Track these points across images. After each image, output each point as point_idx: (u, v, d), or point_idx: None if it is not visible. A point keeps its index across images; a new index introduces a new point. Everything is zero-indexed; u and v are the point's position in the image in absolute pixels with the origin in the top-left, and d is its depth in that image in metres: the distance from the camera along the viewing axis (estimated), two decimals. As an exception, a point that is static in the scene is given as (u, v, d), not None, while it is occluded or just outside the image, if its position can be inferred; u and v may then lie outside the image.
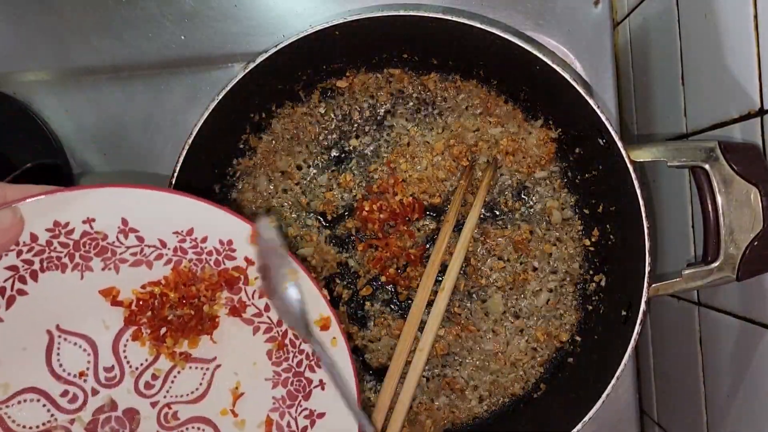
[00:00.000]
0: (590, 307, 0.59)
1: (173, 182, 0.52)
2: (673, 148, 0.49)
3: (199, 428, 0.51)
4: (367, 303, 0.60)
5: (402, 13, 0.52)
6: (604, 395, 0.50)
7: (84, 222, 0.45)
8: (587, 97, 0.51)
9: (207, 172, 0.58)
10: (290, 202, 0.60)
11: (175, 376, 0.50)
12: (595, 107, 0.50)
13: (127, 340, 0.49)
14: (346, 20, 0.51)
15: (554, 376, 0.60)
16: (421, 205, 0.59)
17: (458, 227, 0.59)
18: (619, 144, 0.50)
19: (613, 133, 0.50)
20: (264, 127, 0.60)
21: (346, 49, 0.56)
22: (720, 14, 0.48)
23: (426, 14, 0.51)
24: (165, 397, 0.50)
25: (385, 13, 0.52)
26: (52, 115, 0.62)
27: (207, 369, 0.51)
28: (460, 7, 0.61)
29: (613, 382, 0.50)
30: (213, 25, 0.62)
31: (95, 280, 0.47)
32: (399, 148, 0.60)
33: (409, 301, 0.59)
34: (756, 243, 0.46)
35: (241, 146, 0.60)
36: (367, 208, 0.59)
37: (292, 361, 0.51)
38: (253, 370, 0.51)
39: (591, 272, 0.60)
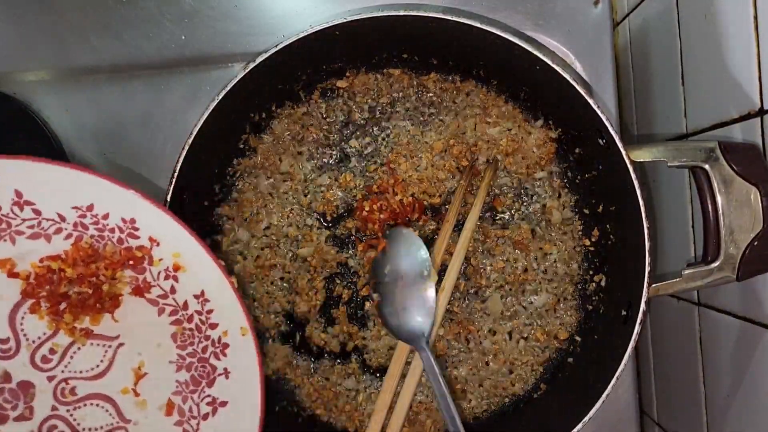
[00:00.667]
0: (590, 307, 0.59)
1: (173, 182, 0.52)
2: (673, 148, 0.49)
3: (98, 404, 0.50)
4: (367, 303, 0.60)
5: (402, 13, 0.52)
6: (604, 395, 0.50)
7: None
8: (587, 97, 0.51)
9: (207, 172, 0.58)
10: (290, 202, 0.60)
11: (75, 352, 0.50)
12: (595, 107, 0.50)
13: (25, 313, 0.48)
14: (346, 20, 0.51)
15: (554, 376, 0.60)
16: (421, 205, 0.59)
17: (458, 227, 0.59)
18: (619, 144, 0.50)
19: (613, 133, 0.50)
20: (264, 128, 0.60)
21: (346, 49, 0.56)
22: (720, 14, 0.48)
23: (426, 14, 0.51)
24: (63, 372, 0.49)
25: (385, 13, 0.52)
26: (52, 115, 0.62)
27: (109, 347, 0.50)
28: (460, 7, 0.61)
29: (613, 382, 0.50)
30: (213, 25, 0.62)
31: None
32: (399, 148, 0.60)
33: (409, 301, 0.59)
34: (756, 243, 0.46)
35: (241, 146, 0.60)
36: (367, 208, 0.59)
37: (197, 346, 0.51)
38: (157, 352, 0.51)
39: (591, 272, 0.60)
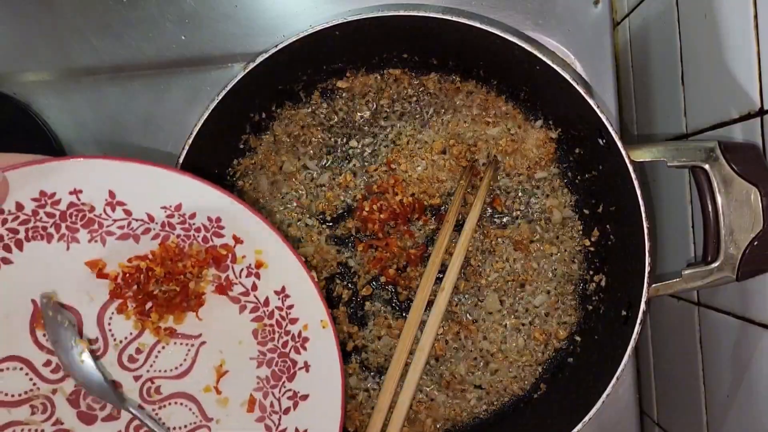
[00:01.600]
0: (590, 307, 0.59)
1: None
2: (673, 148, 0.49)
3: (181, 404, 0.51)
4: (367, 303, 0.60)
5: (402, 13, 0.52)
6: (604, 395, 0.50)
7: (71, 193, 0.45)
8: (587, 97, 0.51)
9: (207, 172, 0.58)
10: (291, 202, 0.60)
11: (159, 351, 0.50)
12: (595, 107, 0.50)
13: (113, 314, 0.49)
14: (346, 20, 0.51)
15: (554, 376, 0.60)
16: (422, 205, 0.59)
17: (458, 227, 0.59)
18: (619, 144, 0.50)
19: (613, 133, 0.50)
20: (264, 128, 0.60)
21: (346, 49, 0.56)
22: (720, 14, 0.48)
23: (426, 14, 0.51)
24: (148, 371, 0.50)
25: (385, 13, 0.52)
26: (52, 115, 0.62)
27: (192, 345, 0.51)
28: (460, 7, 0.61)
29: (613, 382, 0.50)
30: (213, 25, 0.62)
31: (81, 252, 0.47)
32: (399, 149, 0.60)
33: (409, 301, 0.59)
34: (756, 243, 0.46)
35: (242, 146, 0.60)
36: (367, 208, 0.59)
37: (278, 341, 0.51)
38: (238, 349, 0.51)
39: (591, 272, 0.60)
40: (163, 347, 0.50)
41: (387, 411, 0.57)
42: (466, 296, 0.60)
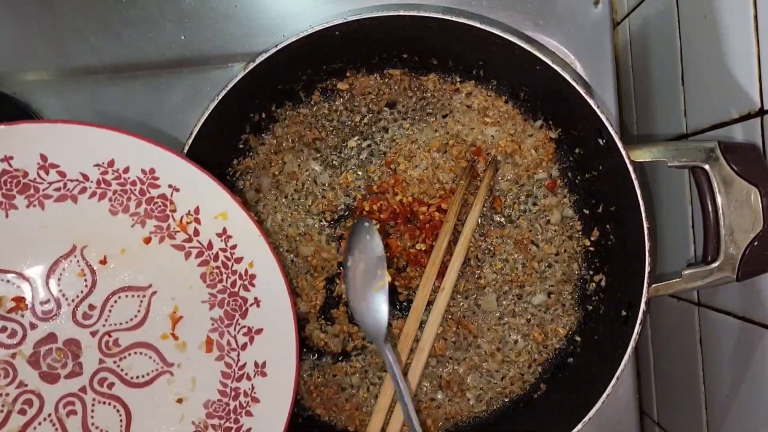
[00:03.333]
0: (590, 307, 0.59)
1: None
2: (673, 148, 0.49)
3: (141, 353, 0.52)
4: (367, 303, 0.60)
5: (402, 13, 0.52)
6: (604, 395, 0.50)
7: (2, 160, 0.46)
8: (587, 97, 0.51)
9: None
10: (291, 202, 0.60)
11: (112, 306, 0.52)
12: (595, 107, 0.50)
13: (60, 274, 0.50)
14: (346, 20, 0.51)
15: (554, 376, 0.60)
16: (422, 205, 0.59)
17: (458, 227, 0.59)
18: (619, 144, 0.50)
19: (613, 133, 0.50)
20: (264, 128, 0.60)
21: (346, 49, 0.56)
22: (720, 14, 0.48)
23: (426, 14, 0.51)
24: (104, 326, 0.51)
25: (385, 13, 0.52)
26: (52, 115, 0.62)
27: (143, 296, 0.52)
28: (460, 7, 0.61)
29: (613, 382, 0.50)
30: (213, 25, 0.62)
31: (21, 218, 0.48)
32: (399, 149, 0.60)
33: (409, 301, 0.59)
34: (756, 243, 0.46)
35: (241, 146, 0.60)
36: (367, 208, 0.59)
37: (226, 282, 0.53)
38: (189, 294, 0.53)
39: (591, 272, 0.60)
40: (116, 301, 0.51)
41: (387, 411, 0.57)
42: (466, 296, 0.60)
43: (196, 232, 0.52)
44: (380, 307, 0.54)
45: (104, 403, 0.51)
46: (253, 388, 0.52)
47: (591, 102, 0.50)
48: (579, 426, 0.51)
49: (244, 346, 0.53)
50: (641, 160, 0.50)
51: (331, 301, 0.61)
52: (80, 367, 0.51)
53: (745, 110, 0.46)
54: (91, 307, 0.51)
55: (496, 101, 0.60)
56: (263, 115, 0.60)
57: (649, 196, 0.61)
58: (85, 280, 0.50)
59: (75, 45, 0.62)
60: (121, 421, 0.52)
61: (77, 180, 0.48)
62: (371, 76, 0.60)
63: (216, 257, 0.52)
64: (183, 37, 0.62)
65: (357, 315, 0.55)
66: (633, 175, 0.49)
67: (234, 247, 0.52)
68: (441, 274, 0.58)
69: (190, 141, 0.52)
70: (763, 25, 0.43)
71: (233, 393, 0.52)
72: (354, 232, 0.56)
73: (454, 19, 0.51)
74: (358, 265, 0.55)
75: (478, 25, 0.51)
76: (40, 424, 0.50)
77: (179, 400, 0.52)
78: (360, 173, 0.60)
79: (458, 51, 0.57)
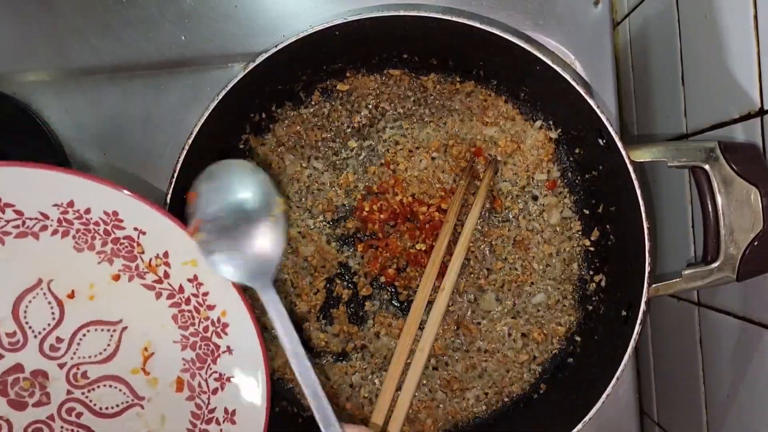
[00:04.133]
0: (590, 307, 0.59)
1: (173, 182, 0.52)
2: (673, 148, 0.49)
3: (111, 386, 0.52)
4: (367, 303, 0.60)
5: (402, 13, 0.52)
6: (604, 396, 0.50)
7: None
8: (587, 97, 0.51)
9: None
10: (291, 202, 0.60)
11: (81, 339, 0.51)
12: (595, 107, 0.50)
13: (27, 306, 0.50)
14: (346, 20, 0.51)
15: (554, 376, 0.60)
16: (422, 205, 0.59)
17: (458, 227, 0.59)
18: (619, 144, 0.50)
19: (613, 133, 0.50)
20: (264, 128, 0.60)
21: (346, 49, 0.56)
22: (720, 14, 0.48)
23: (426, 14, 0.51)
24: (72, 358, 0.51)
25: (385, 13, 0.52)
26: (52, 115, 0.62)
27: (114, 330, 0.52)
28: (460, 7, 0.61)
29: (613, 382, 0.50)
30: (213, 25, 0.62)
31: None
32: (399, 149, 0.60)
33: (409, 301, 0.59)
34: (756, 243, 0.46)
35: (242, 146, 0.60)
36: (367, 208, 0.59)
37: (198, 326, 0.52)
38: (161, 332, 0.52)
39: (591, 272, 0.60)
40: (84, 335, 0.51)
41: (387, 411, 0.57)
42: (466, 296, 0.60)
43: (167, 275, 0.51)
44: (271, 241, 0.50)
45: (72, 431, 0.52)
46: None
47: (591, 102, 0.50)
48: (579, 426, 0.51)
49: (215, 391, 0.53)
50: (641, 160, 0.50)
51: (331, 301, 0.61)
52: (48, 397, 0.51)
53: (745, 110, 0.46)
54: (59, 339, 0.51)
55: (495, 101, 0.60)
56: (263, 116, 0.60)
57: (649, 196, 0.61)
58: (53, 313, 0.50)
59: (75, 45, 0.62)
60: None
61: (36, 218, 0.48)
62: (371, 76, 0.60)
63: (188, 301, 0.52)
64: (183, 37, 0.62)
65: (232, 262, 0.50)
66: (633, 175, 0.49)
67: (206, 294, 0.52)
68: (441, 274, 0.58)
69: (190, 141, 0.52)
70: (763, 25, 0.43)
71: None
72: (220, 174, 0.51)
73: (454, 19, 0.51)
74: (235, 207, 0.51)
75: (478, 25, 0.51)
76: None
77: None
78: (360, 173, 0.60)
79: (458, 51, 0.57)
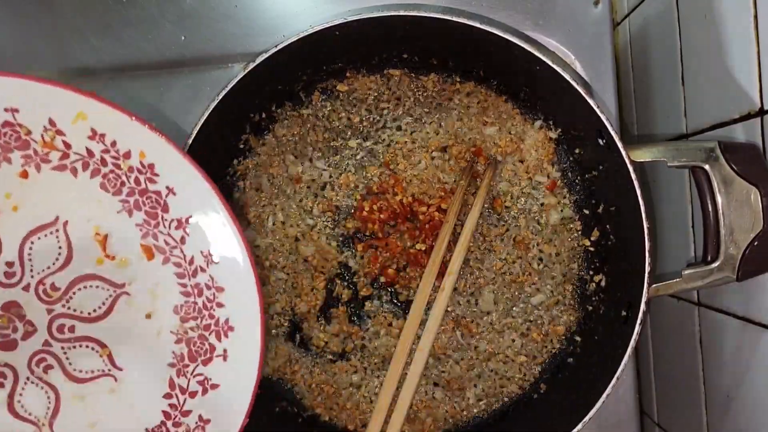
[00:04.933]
0: (590, 307, 0.59)
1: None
2: (673, 148, 0.49)
3: (86, 286, 0.50)
4: (368, 303, 0.60)
5: (402, 13, 0.52)
6: (604, 396, 0.50)
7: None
8: (587, 97, 0.51)
9: (207, 172, 0.58)
10: (291, 202, 0.60)
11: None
12: (595, 107, 0.50)
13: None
14: (346, 20, 0.51)
15: (554, 376, 0.60)
16: (422, 205, 0.59)
17: (458, 227, 0.59)
18: (619, 144, 0.50)
19: (613, 133, 0.50)
20: (264, 128, 0.60)
21: (346, 49, 0.56)
22: (720, 14, 0.48)
23: (426, 14, 0.51)
24: (32, 276, 0.49)
25: (385, 13, 0.52)
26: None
27: (56, 230, 0.49)
28: (460, 7, 0.61)
29: (613, 382, 0.50)
30: (213, 25, 0.62)
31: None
32: (398, 149, 0.60)
33: (409, 301, 0.59)
34: (756, 243, 0.46)
35: (242, 146, 0.60)
36: (367, 208, 0.59)
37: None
38: (100, 209, 0.50)
39: (591, 272, 0.60)
40: (31, 247, 0.49)
41: (387, 411, 0.57)
42: (466, 296, 0.60)
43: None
44: None
45: (75, 347, 0.50)
46: (211, 278, 0.50)
47: (591, 102, 0.50)
48: (579, 426, 0.51)
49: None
50: (641, 160, 0.50)
51: (331, 301, 0.61)
52: (32, 325, 0.49)
53: (745, 110, 0.46)
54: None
55: (495, 101, 0.60)
56: (263, 115, 0.60)
57: (649, 196, 0.61)
58: None
59: (75, 45, 0.62)
60: (101, 357, 0.50)
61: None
62: (371, 76, 0.60)
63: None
64: (183, 37, 0.62)
65: None
66: (633, 175, 0.49)
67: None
68: (441, 274, 0.58)
69: (190, 141, 0.52)
70: (763, 25, 0.43)
71: (195, 290, 0.50)
72: None
73: (454, 19, 0.51)
74: None
75: (478, 25, 0.51)
76: (23, 388, 0.49)
77: (148, 316, 0.51)
78: (360, 173, 0.60)
79: (458, 51, 0.57)
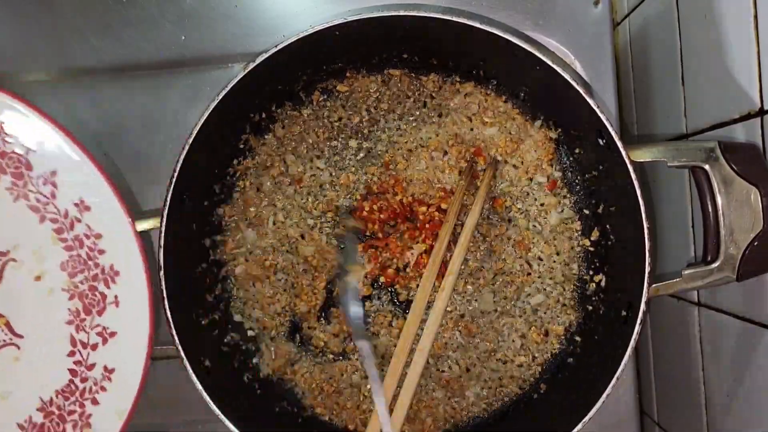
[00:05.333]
0: (590, 308, 0.59)
1: (173, 182, 0.52)
2: (673, 148, 0.49)
3: None
4: (367, 303, 0.60)
5: (402, 13, 0.52)
6: (604, 396, 0.50)
7: None
8: (587, 97, 0.50)
9: (207, 172, 0.58)
10: (291, 202, 0.60)
11: None
12: (595, 107, 0.50)
13: None
14: (346, 20, 0.51)
15: (554, 376, 0.60)
16: (422, 205, 0.59)
17: (458, 227, 0.59)
18: (619, 144, 0.50)
19: (613, 133, 0.50)
20: (264, 128, 0.60)
21: (346, 49, 0.56)
22: (720, 14, 0.48)
23: (426, 14, 0.51)
24: None
25: (385, 13, 0.52)
26: (52, 115, 0.62)
27: None
28: (460, 7, 0.61)
29: (613, 382, 0.50)
30: (213, 25, 0.62)
31: None
32: (399, 149, 0.60)
33: (409, 301, 0.59)
34: (756, 243, 0.46)
35: (242, 146, 0.60)
36: (367, 208, 0.59)
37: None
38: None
39: (591, 272, 0.60)
40: None
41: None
42: (466, 296, 0.60)
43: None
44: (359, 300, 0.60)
45: None
46: (88, 227, 0.51)
47: (591, 102, 0.50)
48: (579, 426, 0.51)
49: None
50: (641, 160, 0.50)
51: (331, 301, 0.61)
52: None
53: (745, 110, 0.46)
54: None
55: (496, 101, 0.60)
56: (263, 115, 0.60)
57: (649, 196, 0.61)
58: None
59: (75, 45, 0.62)
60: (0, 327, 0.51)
61: None
62: (371, 76, 0.60)
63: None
64: (183, 37, 0.62)
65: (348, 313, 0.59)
66: (633, 175, 0.49)
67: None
68: (441, 274, 0.58)
69: (190, 141, 0.52)
70: (763, 25, 0.43)
71: (77, 242, 0.51)
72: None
73: (454, 19, 0.51)
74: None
75: (478, 25, 0.51)
76: None
77: (37, 278, 0.51)
78: (360, 173, 0.60)
79: (458, 51, 0.57)
